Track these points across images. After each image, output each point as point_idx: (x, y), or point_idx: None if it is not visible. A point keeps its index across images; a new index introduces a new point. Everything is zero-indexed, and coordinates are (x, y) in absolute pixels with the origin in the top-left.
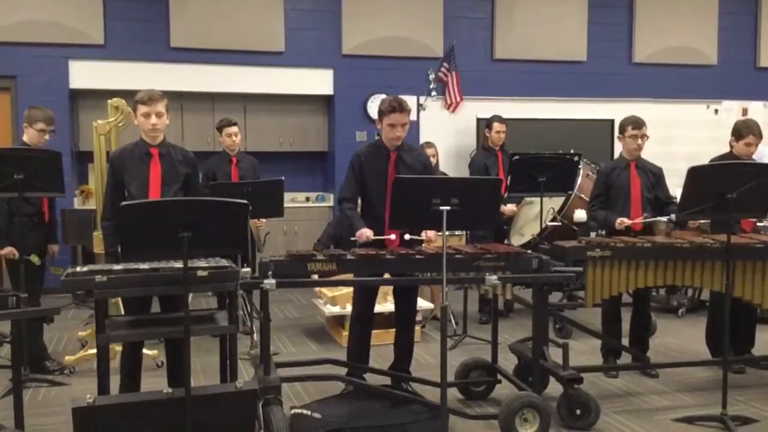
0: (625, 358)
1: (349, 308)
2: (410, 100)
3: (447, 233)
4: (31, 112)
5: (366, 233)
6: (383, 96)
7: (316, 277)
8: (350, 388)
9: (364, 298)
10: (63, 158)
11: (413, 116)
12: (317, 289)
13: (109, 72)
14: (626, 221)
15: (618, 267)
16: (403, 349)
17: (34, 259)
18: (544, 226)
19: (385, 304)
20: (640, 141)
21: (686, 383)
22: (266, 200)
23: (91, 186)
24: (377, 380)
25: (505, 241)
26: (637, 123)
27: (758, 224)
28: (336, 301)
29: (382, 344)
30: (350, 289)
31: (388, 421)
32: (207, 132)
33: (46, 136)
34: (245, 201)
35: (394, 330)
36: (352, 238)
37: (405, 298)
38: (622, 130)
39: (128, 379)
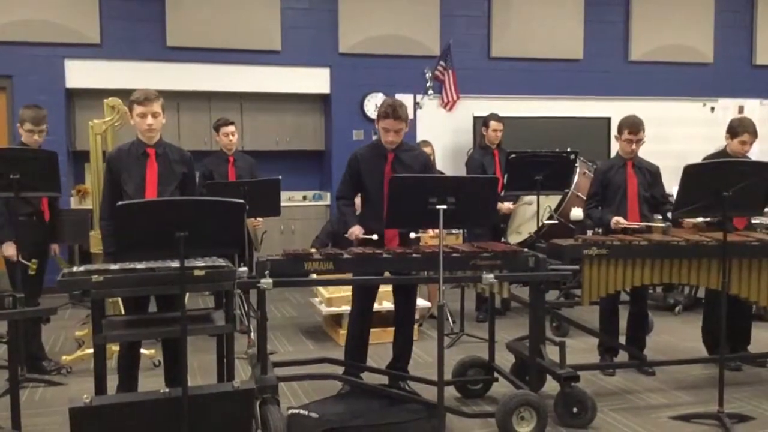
0: (622, 356)
1: (344, 308)
2: (407, 99)
3: (444, 232)
4: (21, 112)
5: (356, 232)
6: (380, 95)
7: (313, 276)
8: (347, 388)
9: (364, 296)
10: (59, 158)
11: (410, 115)
12: (315, 288)
13: (105, 71)
14: (622, 221)
15: (614, 265)
16: (402, 348)
17: (33, 265)
18: (541, 224)
19: (383, 303)
20: (634, 146)
21: (683, 381)
22: (263, 199)
23: (88, 185)
24: (374, 379)
25: (502, 240)
26: (634, 127)
27: (752, 221)
28: (332, 302)
29: (379, 343)
30: (347, 291)
31: (385, 420)
32: (204, 131)
33: (35, 136)
34: (242, 200)
35: (391, 329)
36: (345, 235)
37: (404, 298)
38: (619, 131)
39: (125, 379)
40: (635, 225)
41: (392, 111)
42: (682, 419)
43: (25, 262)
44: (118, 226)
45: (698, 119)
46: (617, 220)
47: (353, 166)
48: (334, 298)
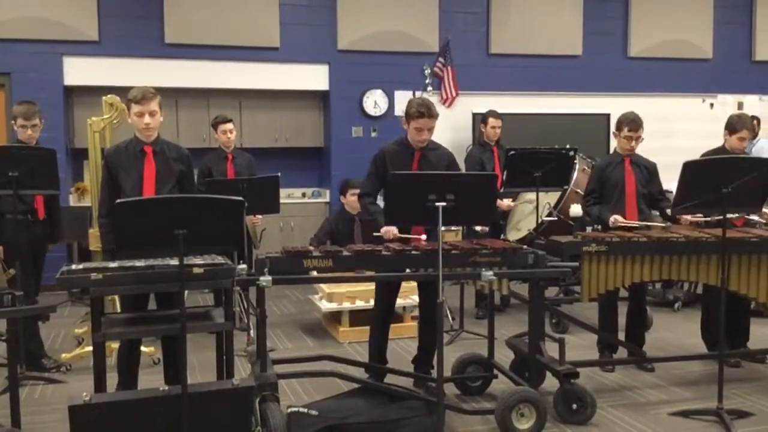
0: (622, 353)
1: (345, 305)
2: (406, 96)
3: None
4: (13, 109)
5: (392, 230)
6: (379, 91)
7: (312, 273)
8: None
9: (385, 294)
10: (57, 155)
11: None
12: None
13: (103, 68)
14: (620, 220)
15: (614, 262)
16: (427, 344)
17: (10, 273)
18: (540, 221)
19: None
20: (633, 143)
21: (682, 377)
22: (262, 196)
23: (87, 183)
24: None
25: (502, 237)
26: (634, 124)
27: (750, 218)
28: (332, 298)
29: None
30: (348, 287)
31: (385, 417)
32: (202, 128)
33: (29, 132)
34: (241, 198)
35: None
36: (376, 234)
37: (429, 295)
38: (618, 128)
39: (125, 377)
40: (634, 224)
41: (427, 110)
42: (681, 415)
43: (4, 267)
44: (117, 223)
45: (697, 115)
46: (615, 219)
47: (380, 162)
48: (335, 294)
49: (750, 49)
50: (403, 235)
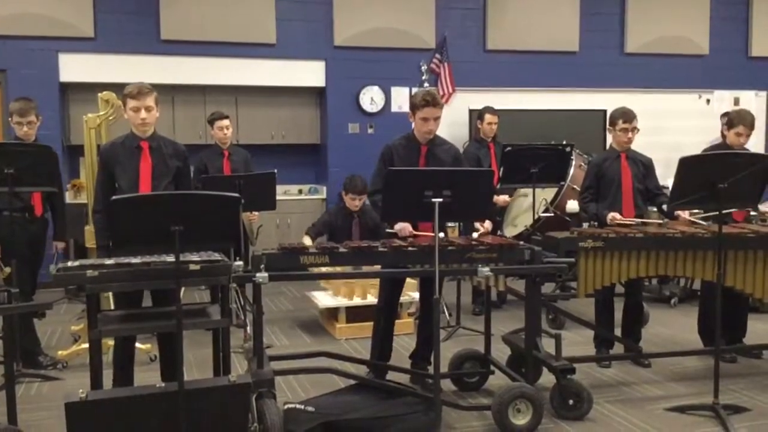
0: (618, 348)
1: (342, 301)
2: (402, 92)
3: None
4: (9, 106)
5: (408, 228)
6: (375, 88)
7: (310, 270)
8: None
9: (389, 288)
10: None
11: (405, 108)
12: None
13: (99, 65)
14: (618, 217)
15: (610, 257)
16: (426, 338)
17: (6, 270)
18: (536, 217)
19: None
20: (630, 134)
21: (678, 373)
22: (258, 193)
23: (83, 180)
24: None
25: (498, 233)
26: (627, 116)
27: (751, 213)
28: (331, 285)
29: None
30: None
31: (382, 413)
32: (198, 125)
33: (25, 128)
34: (237, 194)
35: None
36: (389, 230)
37: (429, 290)
38: (612, 123)
39: (121, 374)
40: (631, 221)
41: (432, 99)
42: (677, 411)
43: (0, 265)
44: (113, 220)
45: (694, 111)
46: (613, 216)
47: (387, 158)
48: (333, 282)
49: (746, 45)
50: (418, 233)
